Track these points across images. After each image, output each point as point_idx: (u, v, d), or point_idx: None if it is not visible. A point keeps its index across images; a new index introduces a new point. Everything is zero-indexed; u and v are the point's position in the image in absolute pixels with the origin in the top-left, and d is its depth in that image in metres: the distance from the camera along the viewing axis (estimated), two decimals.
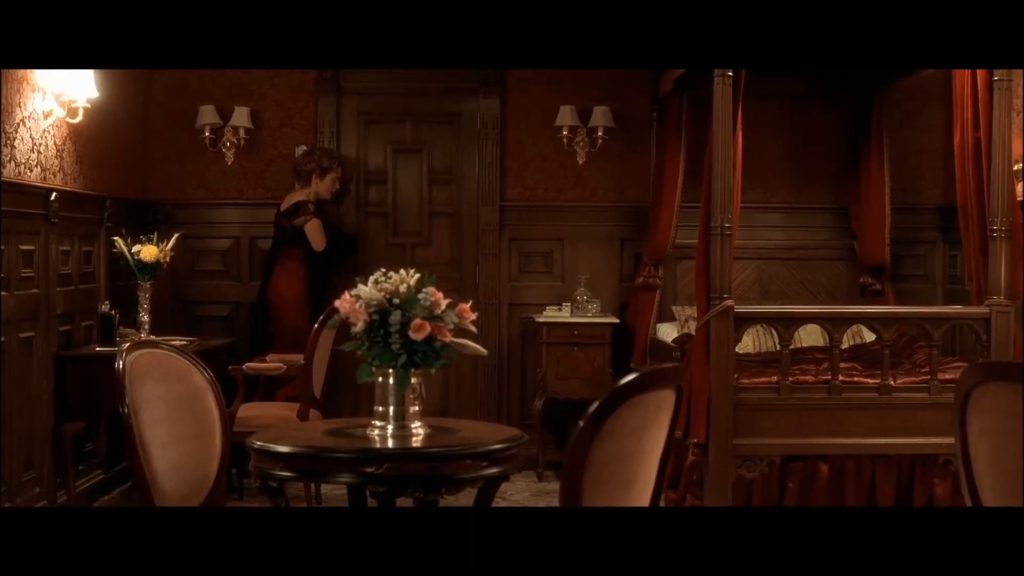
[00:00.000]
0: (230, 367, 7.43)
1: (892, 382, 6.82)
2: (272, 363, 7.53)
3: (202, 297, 9.02)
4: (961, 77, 6.93)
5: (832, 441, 6.78)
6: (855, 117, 8.91)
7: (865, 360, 7.66)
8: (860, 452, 6.81)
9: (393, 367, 4.41)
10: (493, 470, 4.38)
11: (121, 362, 4.60)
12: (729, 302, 6.71)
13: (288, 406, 7.56)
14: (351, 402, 8.87)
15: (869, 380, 6.89)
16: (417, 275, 4.50)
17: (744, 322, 6.88)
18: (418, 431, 4.52)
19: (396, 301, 4.39)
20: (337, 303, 4.63)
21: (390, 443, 4.44)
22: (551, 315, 8.67)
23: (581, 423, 3.85)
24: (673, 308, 8.84)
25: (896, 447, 6.80)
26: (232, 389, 7.76)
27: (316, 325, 7.55)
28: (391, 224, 9.14)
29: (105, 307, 7.48)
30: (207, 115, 8.79)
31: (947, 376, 6.86)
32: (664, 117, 8.71)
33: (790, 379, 6.81)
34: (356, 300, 4.40)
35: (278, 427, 4.93)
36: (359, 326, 4.37)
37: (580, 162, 8.99)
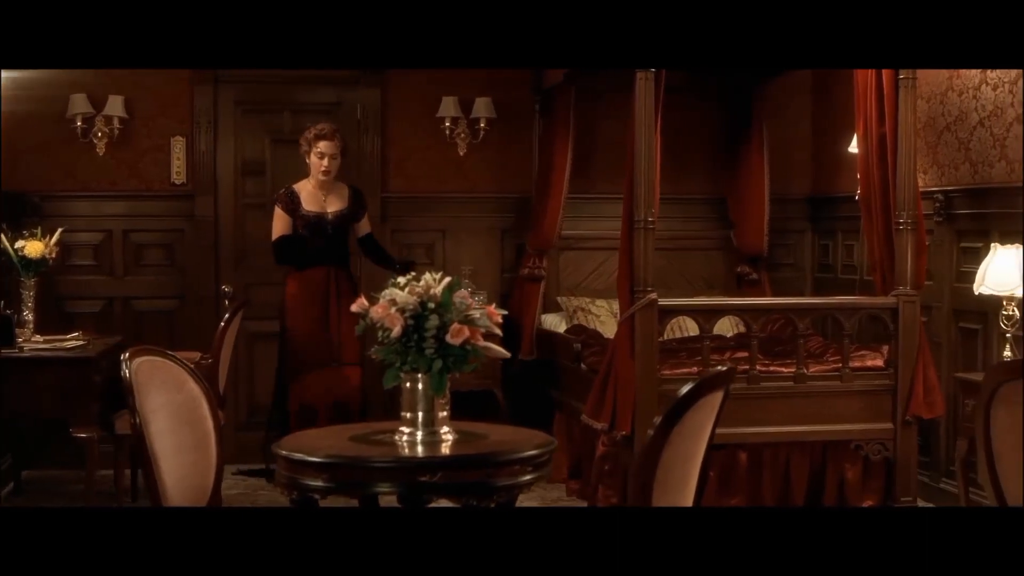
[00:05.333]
0: None
1: (806, 371, 7.01)
2: None
3: (73, 293, 8.67)
4: (864, 73, 7.13)
5: (752, 430, 6.92)
6: (732, 109, 9.10)
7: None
8: (777, 440, 6.99)
9: (428, 372, 4.33)
10: (534, 475, 4.37)
11: (127, 370, 4.44)
12: (653, 295, 6.79)
13: None
14: (247, 399, 8.74)
15: (784, 370, 7.07)
16: (447, 278, 4.44)
17: (667, 314, 6.99)
18: (447, 437, 4.46)
19: (431, 305, 4.31)
20: (354, 307, 4.54)
21: (425, 450, 4.38)
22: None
23: (652, 431, 3.89)
24: (559, 299, 8.89)
25: (811, 434, 7.01)
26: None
27: (222, 323, 7.37)
28: (269, 216, 8.82)
29: None
30: (78, 104, 8.46)
31: (856, 364, 7.09)
32: (551, 109, 8.75)
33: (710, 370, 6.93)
34: (391, 305, 4.30)
35: (296, 436, 4.78)
36: (396, 331, 4.28)
37: (461, 153, 8.96)
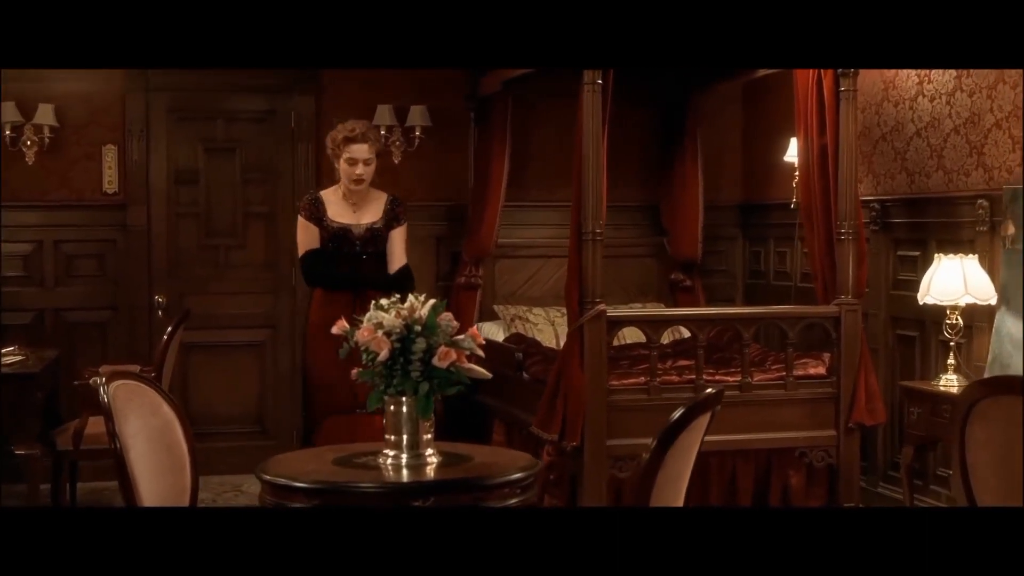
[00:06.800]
0: (77, 382, 7.05)
1: (751, 380, 7.08)
2: None
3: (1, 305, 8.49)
4: (804, 85, 7.20)
5: None
6: (665, 118, 9.16)
7: (692, 355, 7.89)
8: (723, 448, 7.03)
9: (415, 395, 4.32)
10: (521, 498, 4.38)
11: (105, 395, 4.36)
12: (601, 306, 6.81)
13: None
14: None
15: (729, 379, 7.13)
16: (432, 300, 4.43)
17: (616, 326, 7.03)
18: (432, 459, 4.46)
19: (417, 328, 4.30)
20: (335, 329, 4.51)
21: (411, 474, 4.37)
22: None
23: (648, 455, 3.91)
24: (495, 307, 8.90)
25: (756, 442, 7.05)
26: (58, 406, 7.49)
27: (166, 336, 7.27)
28: (203, 225, 8.83)
29: None
30: (8, 112, 8.28)
31: (799, 372, 7.17)
32: (487, 118, 8.75)
33: (658, 380, 6.98)
34: (377, 328, 4.28)
35: (277, 459, 4.74)
36: (383, 355, 4.26)
37: (396, 161, 8.92)
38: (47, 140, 8.41)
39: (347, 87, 8.84)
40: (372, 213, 7.01)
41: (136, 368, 7.25)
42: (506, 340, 8.41)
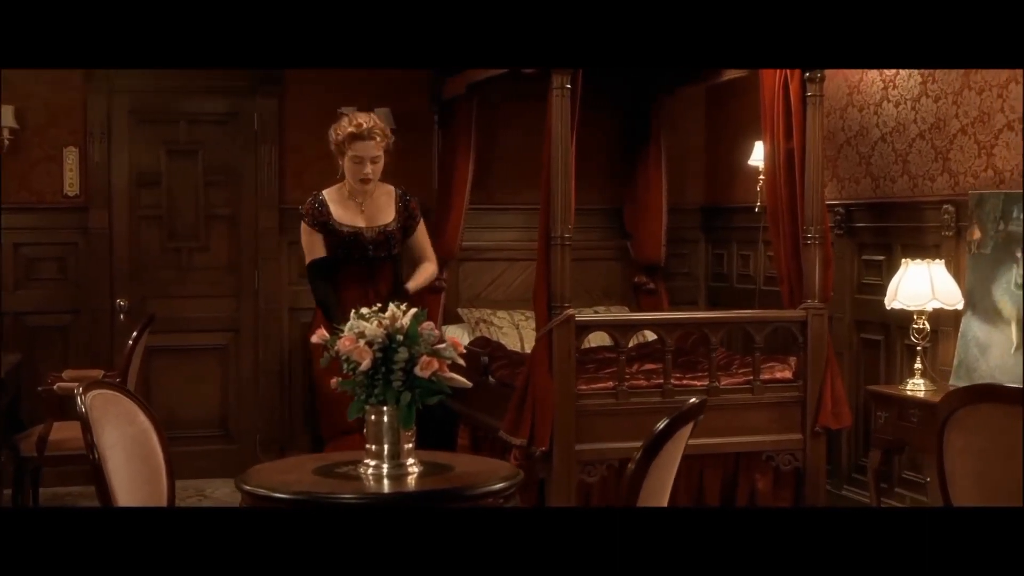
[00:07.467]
0: (41, 387, 7.00)
1: (718, 384, 7.10)
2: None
3: None
4: (770, 90, 7.23)
5: None
6: (629, 121, 9.17)
7: (657, 359, 7.90)
8: (691, 452, 7.00)
9: (397, 405, 4.30)
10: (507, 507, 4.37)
11: (83, 406, 4.31)
12: (570, 311, 6.81)
13: None
14: None
15: (697, 383, 7.14)
16: (414, 310, 4.41)
17: (584, 330, 7.02)
18: (413, 469, 4.45)
19: (399, 337, 4.28)
20: (314, 338, 4.50)
21: (393, 484, 4.36)
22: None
23: (633, 465, 3.91)
24: (459, 310, 8.89)
25: (723, 446, 7.06)
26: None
27: (131, 342, 7.21)
28: (166, 228, 8.75)
29: None
30: None
31: (765, 376, 7.19)
32: (452, 120, 8.73)
33: (626, 384, 6.98)
34: (358, 338, 4.26)
35: (257, 469, 4.71)
36: (365, 364, 4.24)
37: None
38: (7, 142, 8.30)
39: (310, 89, 8.79)
40: (383, 213, 6.57)
41: (99, 373, 7.24)
42: (471, 344, 8.39)
